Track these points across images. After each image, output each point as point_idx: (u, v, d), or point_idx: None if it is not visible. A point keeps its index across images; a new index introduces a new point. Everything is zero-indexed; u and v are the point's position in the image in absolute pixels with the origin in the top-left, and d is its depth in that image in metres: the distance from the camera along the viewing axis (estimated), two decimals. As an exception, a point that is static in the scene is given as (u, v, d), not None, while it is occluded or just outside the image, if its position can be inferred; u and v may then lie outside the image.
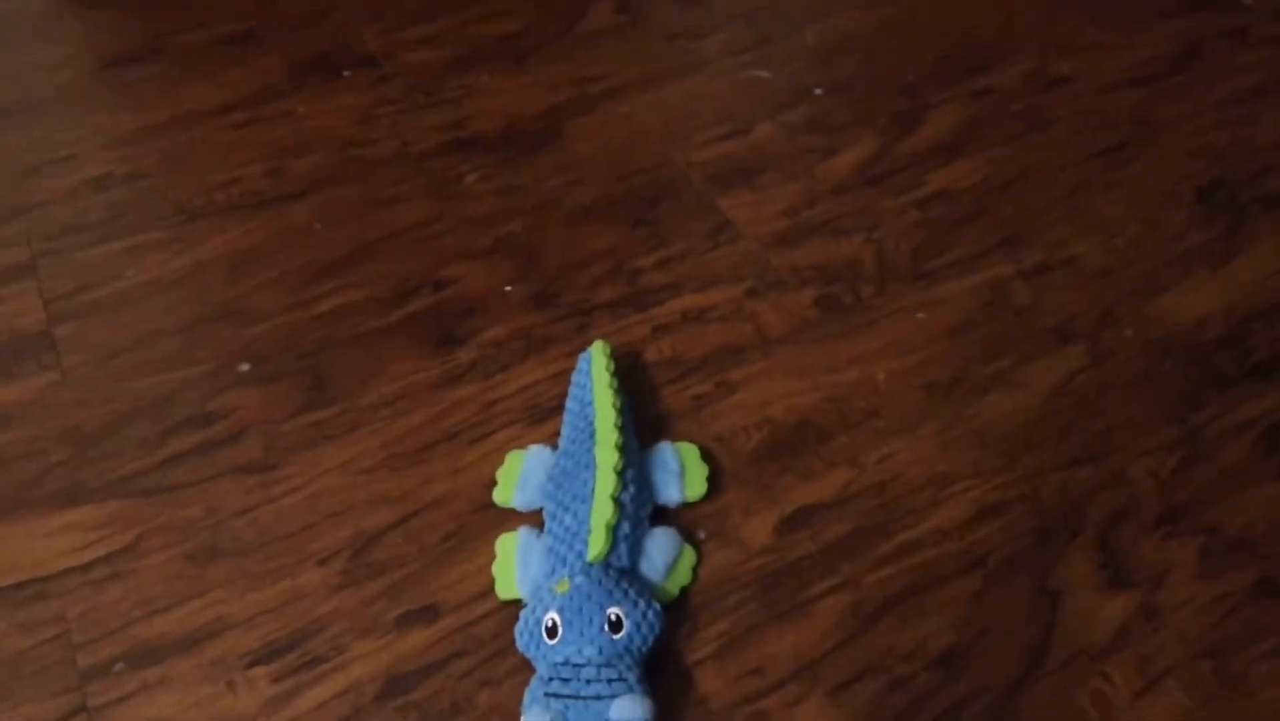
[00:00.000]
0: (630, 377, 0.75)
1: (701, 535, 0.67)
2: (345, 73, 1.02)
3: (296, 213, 0.88)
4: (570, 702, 0.55)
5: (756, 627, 0.63)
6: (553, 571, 0.61)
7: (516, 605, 0.62)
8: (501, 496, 0.67)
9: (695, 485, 0.68)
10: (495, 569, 0.64)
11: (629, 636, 0.58)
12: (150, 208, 0.89)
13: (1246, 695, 0.60)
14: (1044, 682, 0.61)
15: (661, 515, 0.67)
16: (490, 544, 0.66)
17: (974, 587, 0.65)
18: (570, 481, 0.65)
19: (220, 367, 0.77)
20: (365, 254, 0.85)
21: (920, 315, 0.80)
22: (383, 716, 0.59)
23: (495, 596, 0.63)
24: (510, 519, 0.67)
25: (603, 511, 0.61)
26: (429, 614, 0.63)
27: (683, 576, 0.64)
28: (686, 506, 0.68)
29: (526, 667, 0.60)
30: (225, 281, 0.83)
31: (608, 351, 0.72)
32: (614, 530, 0.61)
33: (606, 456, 0.64)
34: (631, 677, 0.56)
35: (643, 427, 0.72)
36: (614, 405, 0.67)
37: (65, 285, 0.82)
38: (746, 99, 0.99)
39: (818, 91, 1.00)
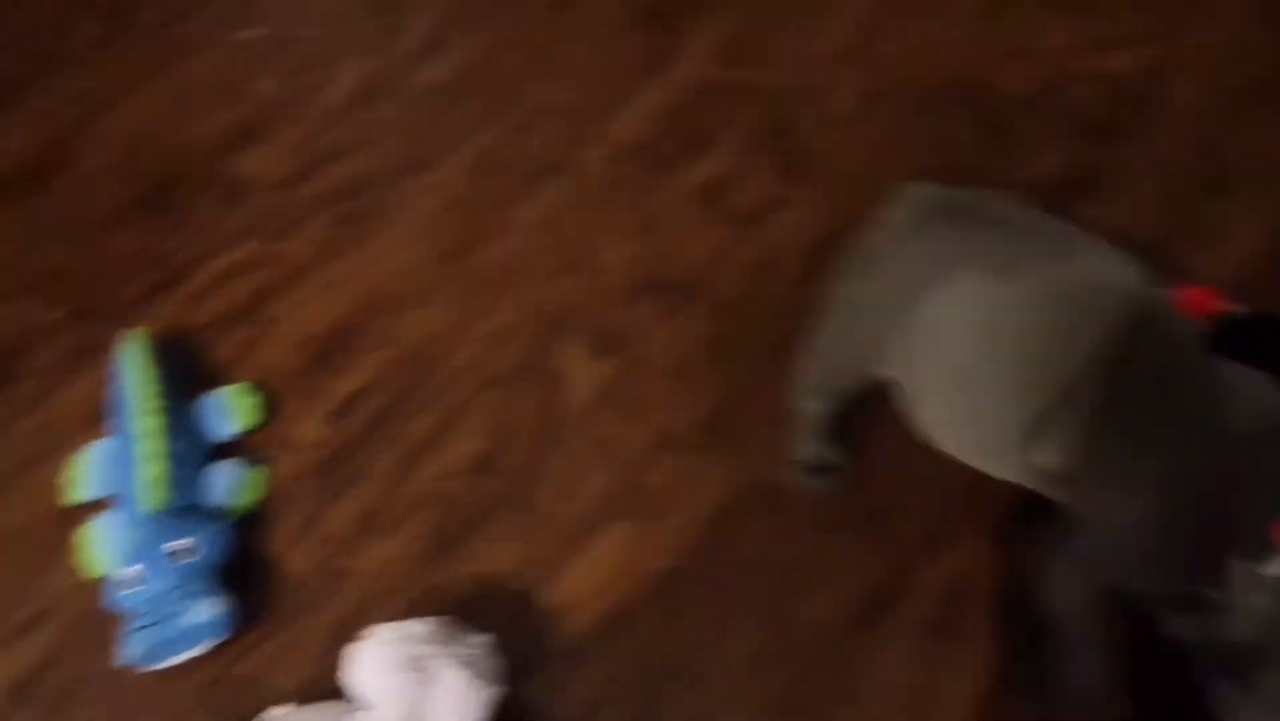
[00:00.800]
0: (181, 347, 0.83)
1: (268, 452, 0.77)
2: None
3: None
4: (156, 627, 0.65)
5: (323, 507, 0.75)
6: (125, 540, 0.70)
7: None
8: (72, 494, 0.75)
9: (248, 415, 0.77)
10: (80, 557, 0.72)
11: (201, 558, 0.68)
12: None
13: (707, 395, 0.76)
14: (558, 447, 0.75)
15: (230, 448, 0.77)
16: (74, 539, 0.74)
17: (493, 401, 0.78)
18: (124, 458, 0.73)
19: None
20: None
21: (427, 199, 0.91)
22: (17, 715, 0.68)
23: (89, 582, 0.72)
24: (87, 511, 0.74)
25: (146, 469, 0.70)
26: (38, 621, 0.71)
27: (252, 493, 0.74)
28: (249, 434, 0.78)
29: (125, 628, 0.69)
30: None
31: (141, 338, 0.79)
32: (165, 480, 0.70)
33: (141, 424, 0.72)
34: (204, 589, 0.66)
35: (199, 386, 0.80)
36: (146, 382, 0.75)
37: None
38: (242, 61, 1.05)
39: (306, 34, 1.07)
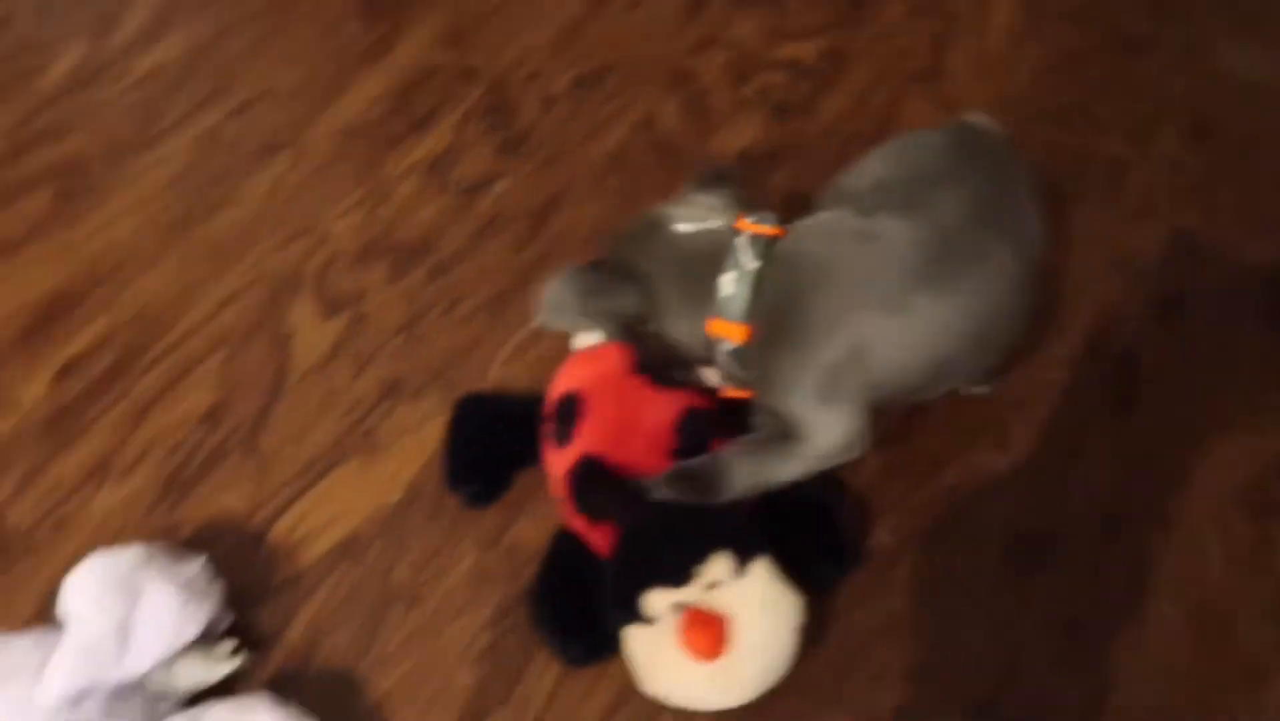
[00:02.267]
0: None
1: (-18, 417, 0.77)
2: None
3: None
4: None
5: (46, 461, 0.76)
6: None
7: None
8: None
9: (-44, 379, 0.77)
10: None
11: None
12: None
13: (431, 345, 0.83)
14: (287, 398, 0.80)
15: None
16: None
17: (222, 360, 0.82)
18: None
19: None
20: None
21: (149, 175, 0.93)
22: None
23: None
24: None
25: None
26: None
27: (-35, 453, 0.74)
28: (-42, 398, 0.77)
29: None
30: None
31: None
32: None
33: None
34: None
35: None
36: None
37: None
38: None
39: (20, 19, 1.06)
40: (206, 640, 0.64)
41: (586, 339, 0.77)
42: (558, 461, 0.71)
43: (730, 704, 0.64)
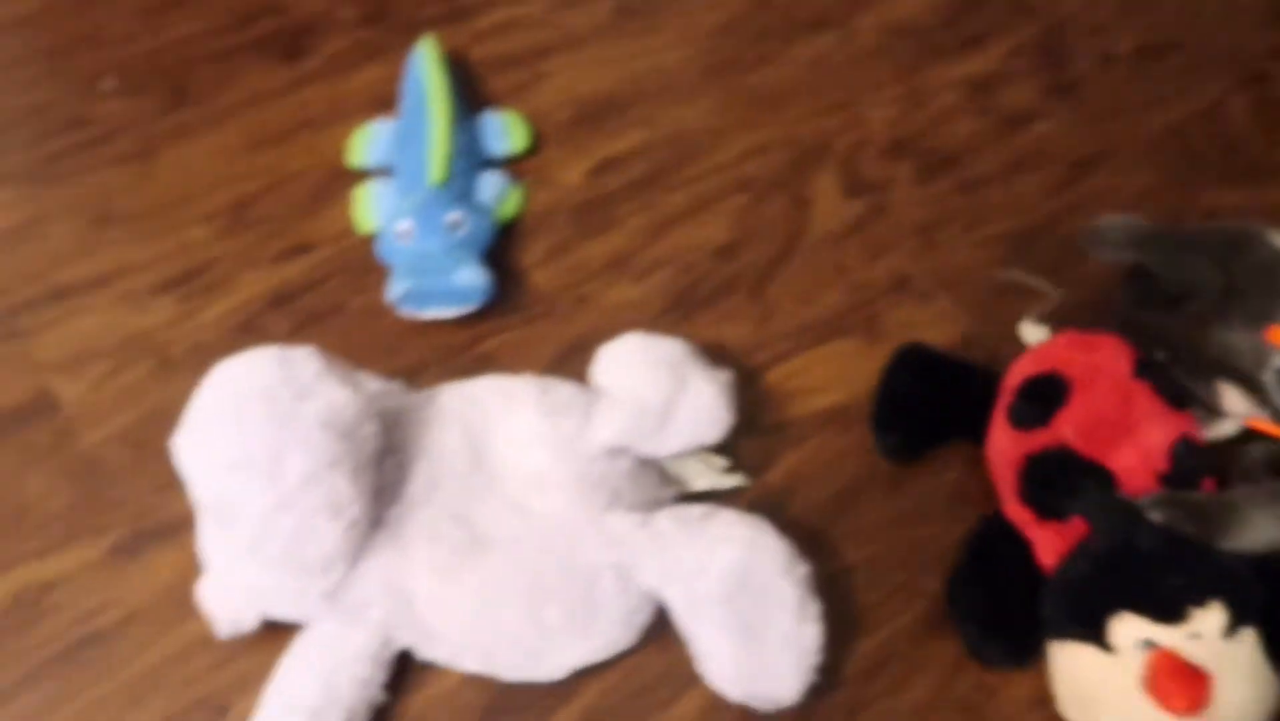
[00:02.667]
0: (456, 71, 0.87)
1: (527, 180, 0.81)
2: None
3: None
4: (424, 276, 0.69)
5: (574, 240, 0.79)
6: (403, 200, 0.74)
7: (375, 238, 0.76)
8: (353, 159, 0.80)
9: (519, 140, 0.82)
10: (354, 211, 0.77)
11: (469, 235, 0.72)
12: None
13: (947, 254, 0.80)
14: (798, 258, 0.79)
15: (492, 165, 0.81)
16: (348, 196, 0.79)
17: (745, 202, 0.82)
18: (411, 139, 0.77)
19: (86, 85, 0.85)
20: (204, -12, 0.93)
21: (704, 16, 0.95)
22: (273, 318, 0.73)
23: (356, 233, 0.77)
24: (363, 177, 0.80)
25: (440, 146, 0.74)
26: (304, 250, 0.77)
27: (512, 207, 0.79)
28: (513, 159, 0.82)
29: (386, 280, 0.74)
30: (74, 15, 0.90)
31: (435, 44, 0.84)
32: (450, 162, 0.75)
33: (439, 109, 0.77)
34: (468, 258, 0.71)
35: (470, 104, 0.85)
36: (444, 77, 0.80)
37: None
38: None
39: None
40: (706, 451, 0.65)
41: (1035, 334, 0.72)
42: (1013, 443, 0.65)
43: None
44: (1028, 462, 0.63)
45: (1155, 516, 0.59)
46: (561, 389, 0.63)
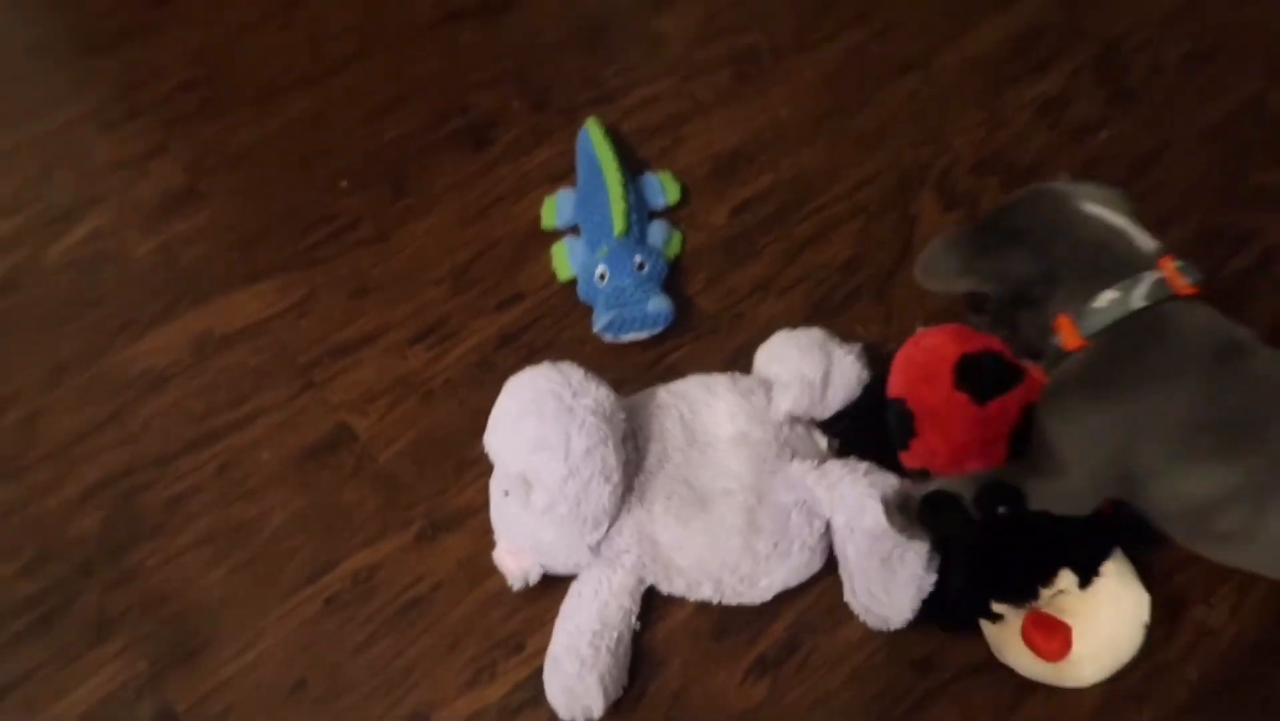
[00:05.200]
0: (614, 141, 1.07)
1: (682, 225, 1.01)
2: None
3: (343, 80, 1.18)
4: (622, 308, 0.89)
5: (726, 270, 0.98)
6: (593, 252, 0.94)
7: (573, 283, 0.96)
8: (547, 222, 1.01)
9: (673, 194, 1.02)
10: (554, 264, 0.97)
11: (650, 273, 0.92)
12: (236, 93, 1.18)
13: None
14: (911, 264, 0.96)
15: (654, 215, 1.01)
16: (546, 252, 0.99)
17: (861, 224, 1.00)
18: (591, 201, 0.98)
19: (327, 187, 1.08)
20: (404, 99, 1.16)
21: (806, 73, 1.14)
22: (502, 355, 0.93)
23: (557, 281, 0.97)
24: (555, 236, 1.00)
25: (618, 204, 0.94)
26: (517, 299, 0.97)
27: (675, 248, 0.98)
28: (670, 209, 1.02)
29: (587, 315, 0.94)
30: (310, 132, 1.13)
31: (598, 122, 1.04)
32: (627, 216, 0.94)
33: (614, 176, 0.97)
34: (656, 291, 0.90)
35: (632, 168, 1.05)
36: (611, 149, 1.00)
37: (196, 154, 1.12)
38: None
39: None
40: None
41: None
42: (904, 457, 0.78)
43: (1079, 684, 0.72)
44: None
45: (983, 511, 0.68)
46: (745, 378, 0.82)
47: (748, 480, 0.75)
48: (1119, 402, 0.63)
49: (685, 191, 1.04)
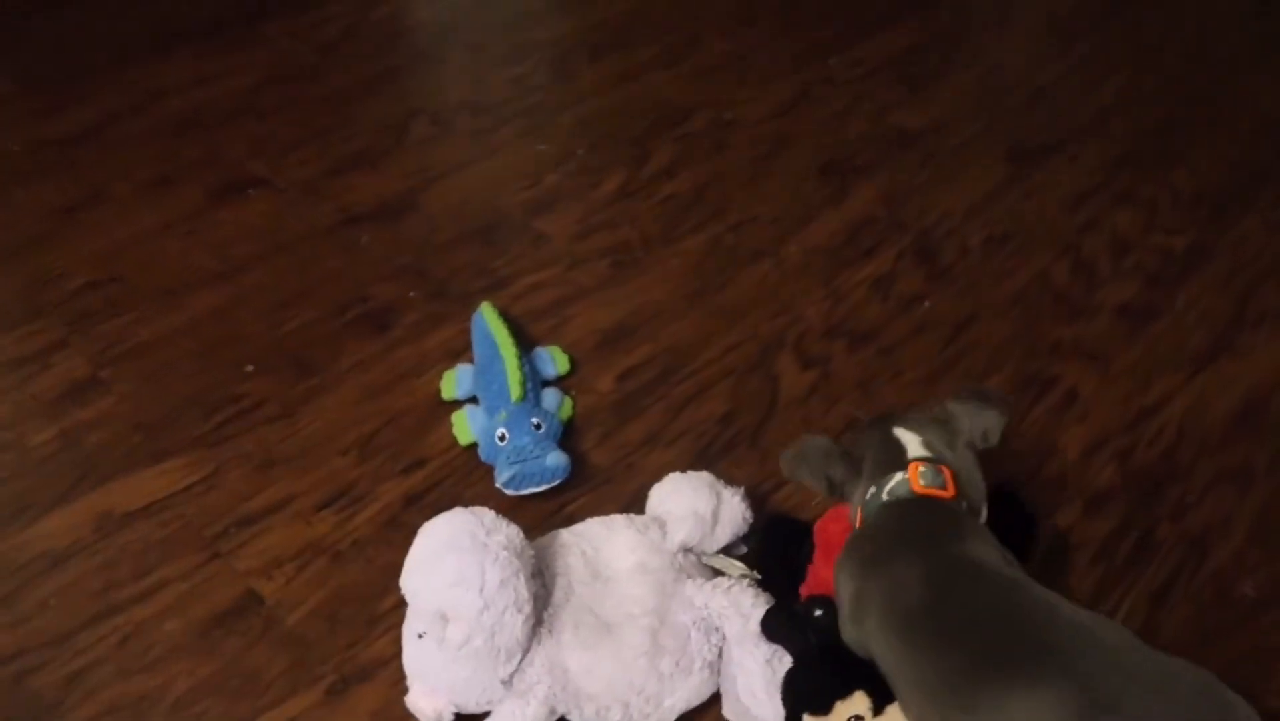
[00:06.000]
0: (506, 320, 1.18)
1: (573, 391, 1.11)
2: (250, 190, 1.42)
3: (249, 278, 1.27)
4: (523, 464, 0.96)
5: (616, 428, 1.08)
6: (492, 417, 1.03)
7: (473, 447, 1.03)
8: (447, 394, 1.09)
9: (562, 364, 1.13)
10: (455, 431, 1.05)
11: (546, 432, 1.00)
12: (143, 291, 1.24)
13: (878, 398, 1.10)
14: (778, 415, 1.08)
15: (546, 384, 1.11)
16: (447, 420, 1.07)
17: (732, 384, 1.13)
18: (488, 372, 1.07)
19: (232, 372, 1.14)
20: (307, 293, 1.24)
21: (674, 261, 1.29)
22: (409, 514, 0.98)
23: (458, 445, 1.04)
24: (455, 406, 1.08)
25: (514, 373, 1.04)
26: (422, 463, 1.04)
27: (567, 411, 1.08)
28: (560, 378, 1.12)
29: (488, 475, 1.01)
30: (216, 325, 1.20)
31: (491, 305, 1.15)
32: (524, 383, 1.04)
33: (508, 349, 1.07)
34: (553, 448, 0.98)
35: (522, 344, 1.15)
36: (504, 326, 1.11)
37: (100, 347, 1.17)
38: (533, 162, 1.47)
39: (580, 152, 1.50)
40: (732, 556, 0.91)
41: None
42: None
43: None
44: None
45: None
46: (640, 517, 0.90)
47: (650, 604, 0.81)
48: (860, 570, 0.77)
49: (574, 362, 1.15)
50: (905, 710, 0.74)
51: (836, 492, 0.84)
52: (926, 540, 0.76)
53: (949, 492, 0.78)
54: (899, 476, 0.79)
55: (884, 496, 0.79)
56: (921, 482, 0.78)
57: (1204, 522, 0.99)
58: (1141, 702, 0.63)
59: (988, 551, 0.76)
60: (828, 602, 0.80)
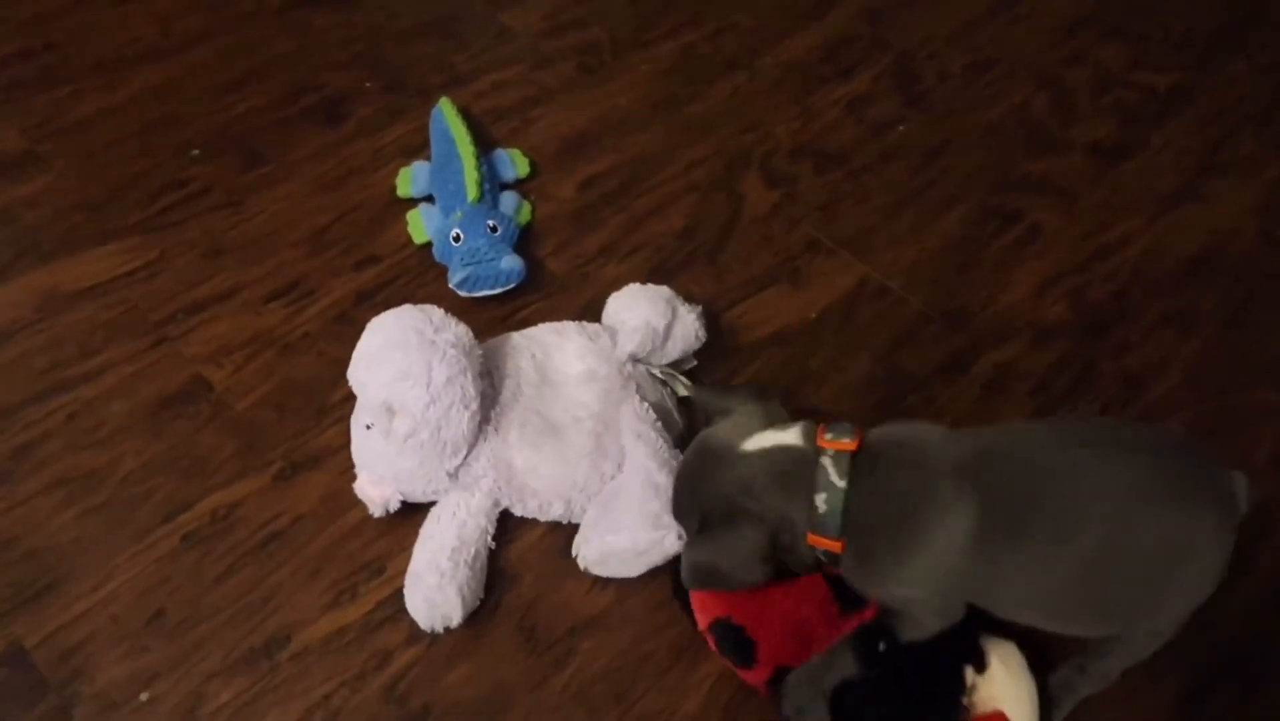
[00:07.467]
0: (466, 119, 1.13)
1: (532, 196, 1.08)
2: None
3: (193, 55, 1.20)
4: (477, 265, 0.95)
5: (574, 237, 1.07)
6: (448, 217, 1.00)
7: (427, 246, 1.02)
8: (402, 191, 1.06)
9: (522, 168, 1.09)
10: (410, 229, 1.03)
11: (502, 235, 0.98)
12: (79, 62, 1.17)
13: (843, 223, 1.09)
14: (738, 233, 1.07)
15: (505, 187, 1.08)
16: (402, 218, 1.04)
17: (695, 200, 1.11)
18: (445, 171, 1.04)
19: (176, 155, 1.09)
20: (255, 76, 1.18)
21: (644, 67, 1.24)
22: (360, 311, 0.98)
23: (412, 243, 1.02)
24: (410, 204, 1.05)
25: (472, 174, 1.01)
26: (374, 260, 1.02)
27: (525, 216, 1.06)
28: (519, 182, 1.09)
29: (442, 275, 0.99)
30: (158, 103, 1.14)
31: (450, 102, 1.10)
32: (481, 184, 1.01)
33: (466, 148, 1.03)
34: (508, 250, 0.97)
35: (482, 144, 1.11)
36: (464, 124, 1.06)
37: (35, 121, 1.11)
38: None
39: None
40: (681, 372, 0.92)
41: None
42: (750, 677, 0.77)
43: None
44: (772, 691, 0.76)
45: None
46: (592, 325, 0.90)
47: (596, 409, 0.83)
48: (915, 549, 0.68)
49: (534, 167, 1.11)
50: (1015, 606, 0.70)
51: (791, 552, 0.71)
52: (927, 466, 0.68)
53: (858, 433, 0.71)
54: (825, 461, 0.68)
55: (840, 484, 0.68)
56: (845, 440, 0.69)
57: (1143, 362, 1.01)
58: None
59: (958, 439, 0.71)
60: (877, 630, 0.73)
